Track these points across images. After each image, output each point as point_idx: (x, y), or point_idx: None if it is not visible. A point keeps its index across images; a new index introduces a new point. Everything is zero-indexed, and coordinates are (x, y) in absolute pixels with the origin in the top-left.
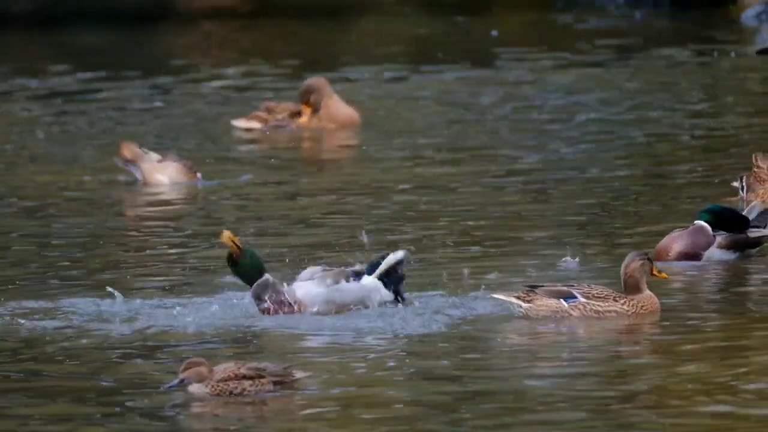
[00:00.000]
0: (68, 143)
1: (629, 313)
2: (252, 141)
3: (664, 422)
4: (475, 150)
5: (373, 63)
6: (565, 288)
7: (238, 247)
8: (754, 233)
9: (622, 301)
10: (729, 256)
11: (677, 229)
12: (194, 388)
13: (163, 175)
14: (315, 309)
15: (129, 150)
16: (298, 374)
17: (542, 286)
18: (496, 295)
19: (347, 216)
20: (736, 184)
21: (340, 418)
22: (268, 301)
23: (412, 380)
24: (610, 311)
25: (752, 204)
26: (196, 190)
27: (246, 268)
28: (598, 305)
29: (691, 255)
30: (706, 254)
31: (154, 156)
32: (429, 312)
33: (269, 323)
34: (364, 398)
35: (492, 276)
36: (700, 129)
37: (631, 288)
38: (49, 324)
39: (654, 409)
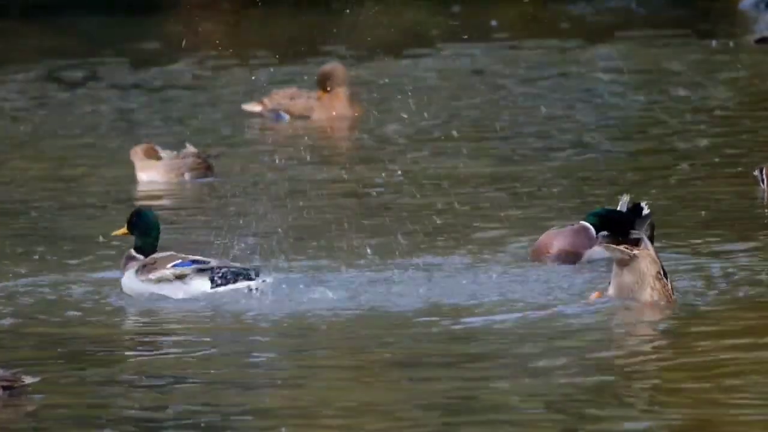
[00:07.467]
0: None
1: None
2: (255, 135)
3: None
4: (475, 142)
5: (370, 51)
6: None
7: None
8: (633, 235)
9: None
10: (607, 255)
11: (555, 227)
12: None
13: (145, 174)
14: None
15: (134, 152)
16: (27, 379)
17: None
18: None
19: (340, 211)
20: (756, 174)
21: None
22: None
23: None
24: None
25: (622, 200)
26: (179, 189)
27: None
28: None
29: (572, 254)
30: (587, 253)
31: (169, 153)
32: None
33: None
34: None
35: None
36: (701, 118)
37: None
38: None
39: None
